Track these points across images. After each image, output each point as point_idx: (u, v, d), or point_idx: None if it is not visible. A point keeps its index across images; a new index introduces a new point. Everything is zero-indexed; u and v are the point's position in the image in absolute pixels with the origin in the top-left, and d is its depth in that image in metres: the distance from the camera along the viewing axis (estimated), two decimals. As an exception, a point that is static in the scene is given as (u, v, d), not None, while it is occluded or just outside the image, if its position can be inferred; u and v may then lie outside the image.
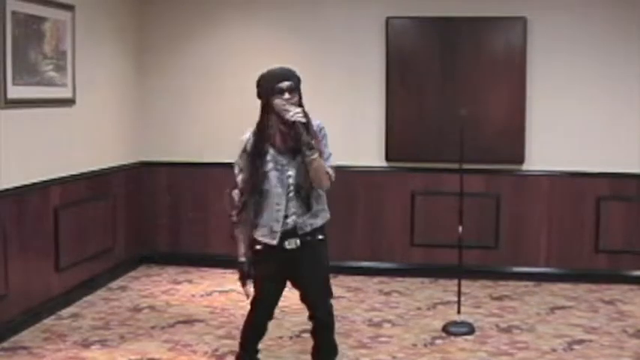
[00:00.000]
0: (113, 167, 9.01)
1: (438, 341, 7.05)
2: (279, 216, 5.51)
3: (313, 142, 5.47)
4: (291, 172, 5.54)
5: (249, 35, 9.53)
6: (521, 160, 9.10)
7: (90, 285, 8.44)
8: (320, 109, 9.43)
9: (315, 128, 5.67)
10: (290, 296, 8.44)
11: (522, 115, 9.02)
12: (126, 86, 9.35)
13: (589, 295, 8.69)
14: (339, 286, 8.85)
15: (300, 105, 5.64)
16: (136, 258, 9.58)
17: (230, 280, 9.09)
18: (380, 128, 9.27)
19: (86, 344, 6.83)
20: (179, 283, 8.98)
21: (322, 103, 9.34)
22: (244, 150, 5.73)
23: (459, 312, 7.67)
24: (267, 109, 5.70)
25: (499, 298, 8.50)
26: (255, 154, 5.63)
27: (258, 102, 9.57)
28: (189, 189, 9.69)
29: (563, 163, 9.13)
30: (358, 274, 9.28)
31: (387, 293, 8.67)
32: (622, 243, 9.12)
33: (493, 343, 6.99)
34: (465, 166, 7.66)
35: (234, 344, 6.82)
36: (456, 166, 7.77)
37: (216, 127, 9.57)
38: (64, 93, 7.95)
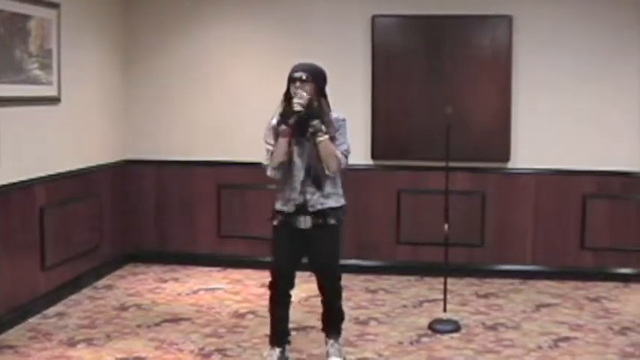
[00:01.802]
0: (99, 165, 8.98)
1: (424, 339, 7.07)
2: (296, 185, 6.15)
3: (324, 128, 6.04)
4: (306, 152, 6.14)
5: (235, 33, 9.52)
6: (506, 158, 9.12)
7: (76, 284, 8.42)
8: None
9: (333, 119, 6.22)
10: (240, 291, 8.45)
11: (508, 113, 9.04)
12: (111, 85, 9.33)
13: (574, 292, 8.72)
14: (326, 284, 8.87)
15: (320, 96, 6.22)
16: (122, 256, 9.56)
17: (216, 278, 9.10)
18: (366, 126, 9.28)
19: (72, 343, 6.82)
20: (165, 281, 8.96)
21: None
22: (273, 128, 6.27)
23: (445, 310, 7.68)
24: (288, 94, 6.22)
25: (485, 296, 8.52)
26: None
27: (243, 99, 9.66)
28: (175, 187, 9.68)
29: (549, 161, 9.15)
30: (344, 271, 9.20)
31: (373, 291, 8.68)
32: (607, 240, 9.16)
33: (479, 341, 7.01)
34: (451, 164, 7.68)
35: (220, 342, 6.85)
36: (441, 164, 7.78)
37: (202, 125, 9.57)
38: (50, 91, 7.93)
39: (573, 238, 9.21)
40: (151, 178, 9.70)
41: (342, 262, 9.22)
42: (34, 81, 7.65)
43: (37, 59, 7.67)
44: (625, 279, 9.13)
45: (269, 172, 6.22)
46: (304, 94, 6.04)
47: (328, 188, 6.18)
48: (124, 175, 9.58)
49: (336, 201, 6.24)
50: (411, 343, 6.94)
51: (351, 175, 9.20)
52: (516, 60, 9.07)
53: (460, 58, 9.07)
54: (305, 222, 6.17)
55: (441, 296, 7.83)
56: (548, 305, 8.22)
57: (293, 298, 6.51)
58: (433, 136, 8.79)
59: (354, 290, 8.67)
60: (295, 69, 6.20)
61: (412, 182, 9.32)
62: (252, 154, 9.28)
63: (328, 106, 6.25)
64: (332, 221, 6.21)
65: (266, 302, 8.04)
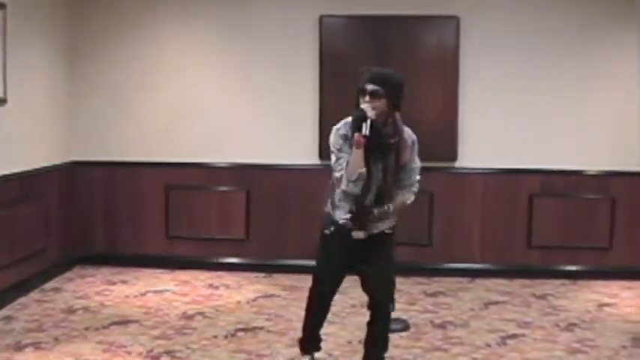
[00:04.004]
0: (46, 167, 8.89)
1: (373, 338, 7.08)
2: (367, 201, 5.63)
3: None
4: (377, 175, 5.64)
5: (181, 33, 9.49)
6: (454, 157, 9.18)
7: (23, 287, 8.32)
8: (253, 107, 9.50)
9: (407, 139, 5.69)
10: (224, 295, 8.46)
11: (455, 112, 9.09)
12: (58, 86, 9.24)
13: (522, 290, 8.80)
14: (274, 284, 8.88)
15: (393, 112, 5.62)
16: (70, 259, 9.47)
17: (164, 280, 9.06)
18: (314, 126, 9.28)
19: (19, 347, 6.73)
20: (113, 283, 8.90)
21: (255, 102, 9.38)
22: (344, 137, 5.69)
23: (393, 309, 7.70)
24: (358, 104, 5.63)
25: (433, 295, 8.57)
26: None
27: (191, 100, 9.59)
28: (123, 188, 9.61)
29: (496, 160, 9.23)
30: (292, 272, 9.27)
31: (323, 291, 8.68)
32: (554, 238, 9.26)
33: (428, 339, 7.04)
34: (399, 164, 7.71)
35: (169, 344, 6.81)
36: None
37: (150, 125, 9.53)
38: (-5, 92, 7.85)
39: (520, 236, 9.30)
40: (98, 180, 9.63)
41: (291, 262, 9.33)
42: (-21, 82, 7.56)
43: (-18, 60, 7.59)
44: (571, 276, 9.23)
45: (345, 186, 5.61)
46: (374, 112, 5.49)
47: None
48: (72, 177, 9.49)
49: (390, 222, 5.81)
50: (360, 343, 6.90)
51: (299, 175, 9.25)
52: (463, 60, 9.13)
53: (408, 58, 9.09)
54: (360, 234, 5.68)
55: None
56: (496, 303, 8.29)
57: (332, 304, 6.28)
58: (381, 136, 8.81)
59: (303, 290, 8.62)
60: (368, 79, 5.57)
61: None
62: (201, 155, 9.30)
63: (401, 121, 5.67)
64: (387, 231, 5.81)
65: (214, 303, 8.06)
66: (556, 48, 9.16)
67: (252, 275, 9.26)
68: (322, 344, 6.34)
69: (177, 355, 6.59)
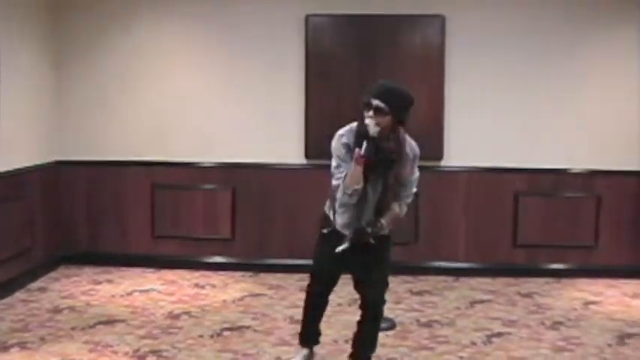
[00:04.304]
0: (29, 167, 8.85)
1: (360, 337, 7.09)
2: (363, 216, 5.77)
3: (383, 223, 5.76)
4: (376, 188, 5.75)
5: (166, 33, 9.48)
6: (439, 156, 9.20)
7: (8, 287, 8.30)
8: (239, 106, 9.50)
9: (409, 153, 5.74)
10: (210, 294, 8.45)
11: (441, 111, 9.11)
12: (43, 85, 9.21)
13: (507, 288, 8.83)
14: (260, 284, 8.88)
15: (397, 128, 5.65)
16: (54, 259, 9.45)
17: (150, 279, 9.05)
18: (299, 125, 9.29)
19: (5, 347, 6.71)
20: (99, 283, 8.88)
21: (241, 101, 9.37)
22: (346, 146, 5.74)
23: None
24: (363, 117, 5.64)
25: (419, 293, 8.58)
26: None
27: (177, 100, 9.58)
28: (108, 188, 9.59)
29: (482, 159, 9.24)
30: (278, 271, 9.28)
31: (309, 290, 8.68)
32: (539, 237, 9.29)
33: (414, 338, 7.06)
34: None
35: (155, 344, 6.81)
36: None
37: (135, 125, 9.51)
38: (-21, 92, 7.83)
39: (505, 235, 9.33)
40: (83, 179, 9.60)
41: (276, 261, 9.35)
42: (-38, 82, 7.54)
43: (-34, 59, 7.57)
44: (557, 274, 9.27)
45: (341, 195, 5.75)
46: (377, 128, 5.53)
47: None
48: (56, 177, 9.46)
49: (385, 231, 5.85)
50: (347, 342, 6.93)
51: (285, 175, 9.25)
52: (449, 59, 9.15)
53: (393, 58, 9.11)
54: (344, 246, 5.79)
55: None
56: (481, 302, 8.31)
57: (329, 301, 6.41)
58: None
59: (289, 290, 8.68)
60: (375, 94, 5.58)
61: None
62: (186, 154, 9.29)
63: (405, 133, 5.73)
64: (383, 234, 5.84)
65: (200, 303, 8.06)
66: (541, 47, 9.18)
67: (238, 274, 9.25)
68: (321, 338, 6.49)
69: (164, 354, 6.58)
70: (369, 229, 5.73)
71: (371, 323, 6.05)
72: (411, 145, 5.76)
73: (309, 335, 6.43)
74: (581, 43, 9.20)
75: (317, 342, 6.48)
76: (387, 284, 6.15)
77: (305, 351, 6.43)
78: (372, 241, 5.77)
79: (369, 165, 5.54)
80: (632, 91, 9.24)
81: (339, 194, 5.75)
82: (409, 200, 5.89)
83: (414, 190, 5.90)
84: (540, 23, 9.17)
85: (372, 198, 5.75)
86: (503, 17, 9.20)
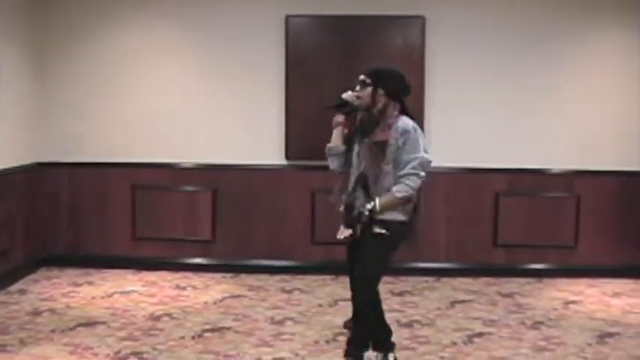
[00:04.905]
0: (10, 168, 8.81)
1: (340, 337, 7.06)
2: (349, 187, 6.19)
3: (370, 205, 5.96)
4: (356, 158, 6.17)
5: (148, 33, 9.45)
6: (420, 156, 9.20)
7: (-13, 289, 8.28)
8: (219, 107, 9.48)
9: (397, 129, 5.99)
10: (191, 295, 8.43)
11: (421, 112, 9.09)
12: (23, 86, 9.15)
13: (488, 288, 8.84)
14: (241, 285, 8.86)
15: (386, 101, 6.12)
16: (35, 260, 9.40)
17: (131, 280, 9.02)
18: (280, 126, 9.28)
19: (-16, 349, 6.70)
20: (79, 285, 8.85)
21: (222, 102, 9.36)
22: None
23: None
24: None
25: (400, 294, 8.58)
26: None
27: (157, 100, 9.57)
28: (89, 189, 9.55)
29: (462, 159, 9.26)
30: (259, 272, 9.27)
31: (289, 291, 8.68)
32: (519, 237, 9.31)
33: (394, 338, 7.00)
34: (365, 163, 7.72)
35: (136, 346, 6.78)
36: (356, 163, 7.82)
37: (116, 126, 9.48)
38: (-42, 93, 7.78)
39: (486, 235, 9.35)
40: (64, 181, 9.56)
41: (257, 262, 9.33)
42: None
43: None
44: (537, 274, 9.29)
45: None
46: (352, 94, 6.19)
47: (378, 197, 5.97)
48: (37, 178, 9.41)
49: (388, 214, 5.97)
50: (327, 342, 6.95)
51: (265, 176, 9.26)
52: (429, 60, 9.16)
53: (373, 58, 9.06)
54: (346, 233, 6.14)
55: (357, 295, 7.86)
56: (462, 302, 8.32)
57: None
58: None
59: (270, 291, 8.67)
60: (362, 71, 6.18)
61: (326, 182, 9.30)
62: (167, 155, 9.27)
63: (397, 109, 6.14)
64: (377, 230, 5.95)
65: (181, 304, 8.05)
66: (521, 47, 9.21)
67: (218, 276, 9.24)
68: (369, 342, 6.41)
69: (145, 356, 6.55)
70: (362, 208, 5.97)
71: (358, 319, 6.29)
72: (404, 121, 6.02)
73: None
74: (559, 42, 9.22)
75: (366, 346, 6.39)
76: (375, 280, 6.13)
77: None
78: (364, 217, 5.95)
79: (346, 125, 6.28)
80: (611, 92, 9.28)
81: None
82: (409, 182, 5.94)
83: (415, 171, 5.95)
84: (520, 22, 9.20)
85: (356, 164, 6.11)
86: (483, 17, 9.22)
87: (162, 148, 9.41)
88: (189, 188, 9.46)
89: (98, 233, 9.58)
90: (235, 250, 9.48)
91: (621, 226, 9.37)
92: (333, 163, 6.33)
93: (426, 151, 6.02)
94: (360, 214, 5.95)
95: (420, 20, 9.11)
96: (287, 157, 9.30)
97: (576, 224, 9.34)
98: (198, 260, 9.48)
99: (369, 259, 6.03)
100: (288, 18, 9.18)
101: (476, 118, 9.24)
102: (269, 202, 9.40)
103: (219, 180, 9.42)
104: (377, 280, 6.12)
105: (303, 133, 9.24)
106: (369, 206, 5.91)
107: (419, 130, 6.03)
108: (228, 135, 9.39)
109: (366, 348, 6.29)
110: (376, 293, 6.16)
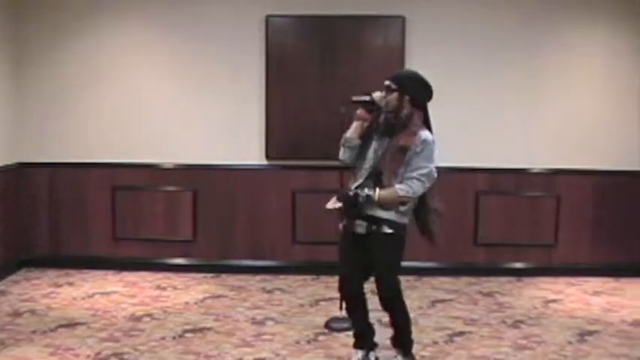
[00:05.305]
0: (-14, 169, 8.81)
1: (321, 337, 7.10)
2: (359, 180, 6.16)
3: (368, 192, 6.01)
4: (377, 153, 6.14)
5: (130, 34, 9.43)
6: (401, 156, 9.21)
7: (-33, 290, 8.24)
8: (200, 107, 9.46)
9: (420, 137, 6.11)
10: (171, 296, 8.42)
11: (401, 112, 9.11)
12: (2, 87, 9.11)
13: (468, 287, 8.87)
14: (222, 285, 8.86)
15: (410, 107, 6.21)
16: (15, 261, 9.36)
17: (111, 281, 9.00)
18: (260, 126, 9.28)
19: (-36, 351, 6.68)
20: (60, 286, 8.82)
21: (202, 102, 9.34)
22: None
23: (341, 308, 7.69)
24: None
25: (381, 293, 8.58)
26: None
27: (138, 100, 9.55)
28: (69, 190, 9.52)
29: (443, 158, 9.21)
30: (240, 272, 9.27)
31: (270, 291, 8.68)
32: (500, 236, 9.35)
33: (376, 338, 7.04)
34: (345, 164, 7.73)
35: (117, 346, 6.77)
36: (336, 163, 7.77)
37: (97, 126, 9.45)
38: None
39: (467, 234, 9.38)
40: (44, 181, 9.52)
41: (238, 262, 9.34)
42: None
43: None
44: (517, 273, 9.33)
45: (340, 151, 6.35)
46: (381, 94, 6.21)
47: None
48: (17, 179, 9.37)
49: (390, 215, 6.10)
50: (308, 342, 6.96)
51: (246, 176, 9.25)
52: (410, 60, 9.16)
53: (354, 58, 9.13)
54: (360, 228, 6.11)
55: (337, 295, 7.80)
56: (443, 301, 8.35)
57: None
58: (327, 136, 8.76)
59: (251, 291, 8.67)
60: (388, 77, 6.25)
61: (307, 182, 9.35)
62: (147, 155, 9.25)
63: (420, 119, 6.24)
64: (387, 230, 6.11)
65: (162, 304, 8.04)
66: (501, 47, 9.25)
67: (199, 276, 9.23)
68: (376, 339, 6.55)
69: (125, 357, 6.54)
70: (358, 196, 6.02)
71: (389, 308, 6.35)
72: (426, 134, 6.15)
73: (359, 337, 6.51)
74: (539, 42, 9.26)
75: (372, 344, 6.53)
76: (398, 286, 6.35)
77: (360, 353, 6.46)
78: (361, 198, 6.01)
79: (366, 119, 6.28)
80: (591, 91, 9.33)
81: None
82: (412, 185, 6.03)
83: (421, 178, 6.08)
84: (500, 22, 9.23)
85: (372, 160, 6.12)
86: (463, 16, 9.24)
87: (143, 149, 9.39)
88: (170, 188, 9.45)
89: (79, 234, 9.56)
90: (216, 250, 9.47)
91: (601, 225, 9.42)
92: (344, 154, 6.31)
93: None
94: (357, 195, 6.00)
95: (400, 20, 9.12)
96: (267, 156, 9.30)
97: (556, 223, 9.38)
98: (179, 260, 9.47)
99: (388, 272, 6.23)
100: (268, 18, 9.18)
101: (456, 118, 9.25)
102: (250, 201, 9.39)
103: (199, 180, 9.40)
104: (399, 285, 6.32)
105: (283, 132, 9.24)
106: (368, 191, 5.98)
107: (436, 144, 6.22)
108: (208, 135, 9.38)
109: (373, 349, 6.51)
110: (402, 295, 6.37)
